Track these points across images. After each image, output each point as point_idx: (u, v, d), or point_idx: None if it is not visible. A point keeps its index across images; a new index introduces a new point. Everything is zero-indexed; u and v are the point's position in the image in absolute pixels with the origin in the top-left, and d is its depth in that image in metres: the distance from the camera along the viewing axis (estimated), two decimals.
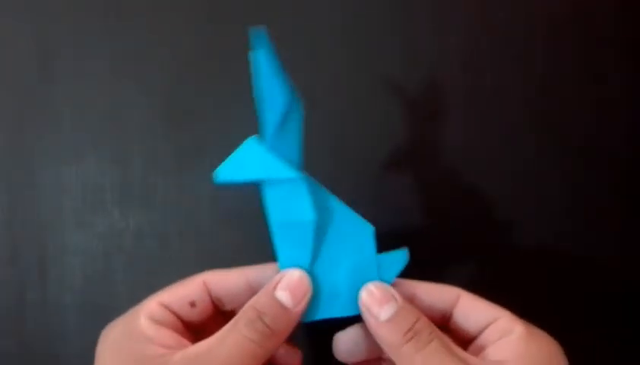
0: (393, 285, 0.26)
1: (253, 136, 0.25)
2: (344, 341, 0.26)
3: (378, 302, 0.24)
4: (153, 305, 0.25)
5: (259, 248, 0.35)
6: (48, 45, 0.36)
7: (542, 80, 0.37)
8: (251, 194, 0.36)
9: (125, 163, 0.36)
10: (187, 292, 0.25)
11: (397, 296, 0.24)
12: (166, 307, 0.25)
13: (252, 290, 0.25)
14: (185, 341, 0.24)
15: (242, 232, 0.36)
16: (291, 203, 0.25)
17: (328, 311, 0.25)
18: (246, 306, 0.24)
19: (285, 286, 0.24)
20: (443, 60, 0.36)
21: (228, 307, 0.26)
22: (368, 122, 0.36)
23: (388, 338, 0.24)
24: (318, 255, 0.25)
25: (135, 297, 0.35)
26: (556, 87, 0.37)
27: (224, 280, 0.26)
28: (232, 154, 0.25)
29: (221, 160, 0.36)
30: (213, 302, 0.26)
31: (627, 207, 0.37)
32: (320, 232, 0.25)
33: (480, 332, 0.25)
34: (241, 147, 0.25)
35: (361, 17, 0.36)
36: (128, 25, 0.36)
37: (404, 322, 0.23)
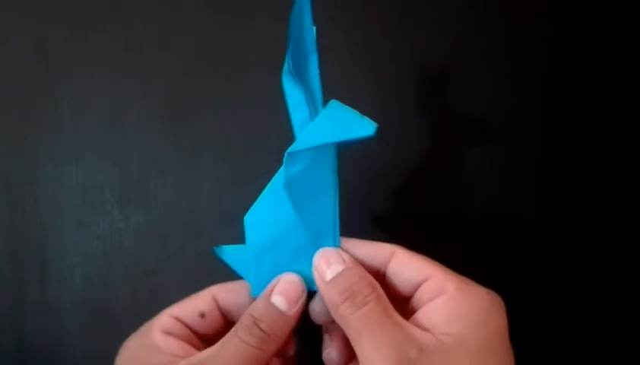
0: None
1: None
2: (316, 303, 0.27)
3: (326, 263, 0.25)
4: (165, 318, 0.26)
5: None
6: (48, 45, 0.36)
7: (542, 80, 0.37)
8: (250, 194, 0.36)
9: (125, 163, 0.36)
10: (197, 304, 0.27)
11: (347, 258, 0.25)
12: (177, 319, 0.26)
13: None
14: (192, 350, 0.25)
15: (242, 232, 0.36)
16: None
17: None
18: (245, 313, 0.25)
19: (280, 290, 0.25)
20: (441, 61, 0.36)
21: (236, 318, 0.27)
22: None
23: (328, 298, 0.24)
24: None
25: (135, 297, 0.35)
26: (556, 86, 0.37)
27: (231, 294, 0.27)
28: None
29: (220, 159, 0.36)
30: (222, 313, 0.27)
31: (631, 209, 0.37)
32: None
33: (413, 292, 0.25)
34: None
35: (358, 16, 0.36)
36: (128, 25, 0.36)
37: (344, 282, 0.24)
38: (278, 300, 0.25)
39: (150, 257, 0.35)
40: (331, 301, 0.24)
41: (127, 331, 0.35)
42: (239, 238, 0.35)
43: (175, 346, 0.25)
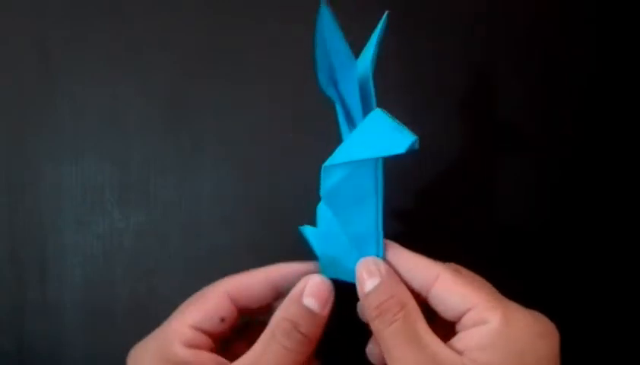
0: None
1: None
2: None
3: (367, 273, 0.25)
4: (185, 329, 0.25)
5: (258, 248, 0.35)
6: (48, 45, 0.36)
7: (542, 80, 0.37)
8: (250, 194, 0.36)
9: (125, 163, 0.36)
10: (215, 309, 0.25)
11: (384, 270, 0.25)
12: (198, 329, 0.25)
13: (278, 293, 0.26)
14: (222, 360, 0.25)
15: (242, 232, 0.36)
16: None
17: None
18: (278, 317, 0.25)
19: (310, 292, 0.25)
20: (441, 60, 0.36)
21: (252, 310, 0.27)
22: None
23: (365, 310, 0.25)
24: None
25: (135, 297, 0.35)
26: (555, 87, 0.37)
27: (249, 291, 0.26)
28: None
29: (220, 159, 0.36)
30: (238, 310, 0.27)
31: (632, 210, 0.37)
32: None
33: (457, 319, 0.24)
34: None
35: (359, 16, 0.36)
36: (128, 25, 0.36)
37: (377, 297, 0.24)
38: (311, 302, 0.25)
39: (150, 257, 0.35)
40: (367, 315, 0.25)
41: (127, 331, 0.35)
42: (239, 238, 0.36)
43: (205, 359, 0.24)
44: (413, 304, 0.24)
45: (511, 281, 0.34)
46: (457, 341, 0.24)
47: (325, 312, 0.25)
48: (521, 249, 0.36)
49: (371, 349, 0.27)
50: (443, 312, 0.25)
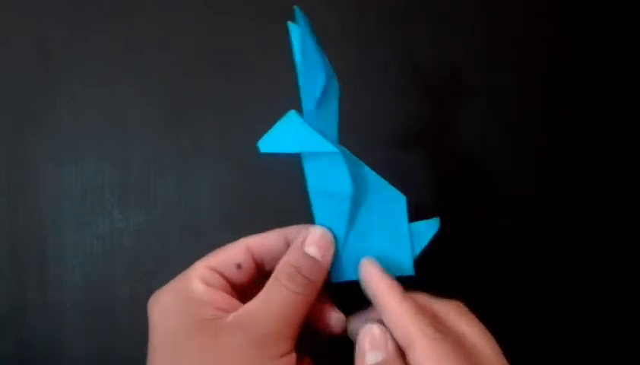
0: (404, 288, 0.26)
1: (293, 110, 0.25)
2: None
3: (370, 344, 0.25)
4: (203, 269, 0.26)
5: None
6: (48, 45, 0.36)
7: (542, 80, 0.37)
8: (250, 194, 0.36)
9: (125, 163, 0.36)
10: (233, 255, 0.27)
11: (391, 347, 0.24)
12: (216, 270, 0.26)
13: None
14: (235, 302, 0.26)
15: (242, 232, 0.36)
16: (329, 175, 0.26)
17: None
18: (282, 263, 0.26)
19: (311, 241, 0.26)
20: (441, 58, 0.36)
21: (268, 267, 0.28)
22: (368, 121, 0.36)
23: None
24: (354, 223, 0.27)
25: (135, 297, 0.35)
26: (555, 87, 0.37)
27: (265, 243, 0.28)
28: (275, 126, 0.25)
29: (220, 159, 0.36)
30: (256, 264, 0.28)
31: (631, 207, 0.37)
32: (355, 201, 0.27)
33: None
34: (282, 119, 0.25)
35: (359, 17, 0.36)
36: (128, 25, 0.36)
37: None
38: (312, 250, 0.26)
39: (150, 257, 0.35)
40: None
41: (127, 331, 0.35)
42: (239, 238, 0.35)
43: (219, 299, 0.25)
44: None
45: (511, 285, 0.34)
46: None
47: (325, 260, 0.26)
48: (521, 248, 0.36)
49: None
50: None
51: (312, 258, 0.26)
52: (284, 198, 0.35)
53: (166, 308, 0.25)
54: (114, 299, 0.35)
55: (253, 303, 0.25)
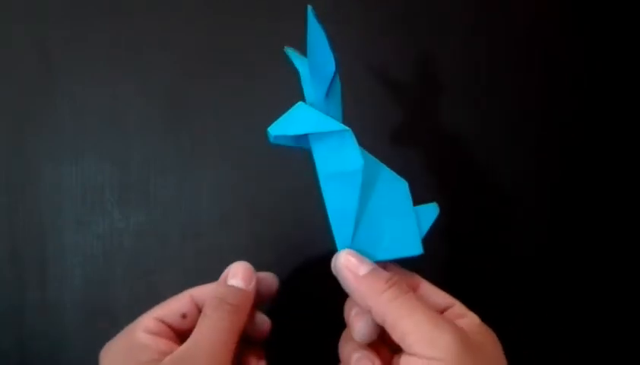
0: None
1: (300, 101, 0.27)
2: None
3: (355, 263, 0.27)
4: (148, 320, 0.27)
5: (259, 248, 0.35)
6: (48, 45, 0.36)
7: (542, 80, 0.37)
8: (250, 194, 0.36)
9: (125, 163, 0.36)
10: (178, 306, 0.28)
11: (369, 261, 0.27)
12: (161, 320, 0.28)
13: None
14: (177, 347, 0.27)
15: (242, 232, 0.36)
16: (339, 154, 0.27)
17: (374, 254, 0.28)
18: (208, 299, 0.27)
19: (233, 274, 0.28)
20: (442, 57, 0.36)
21: None
22: (368, 122, 0.36)
23: (369, 287, 0.26)
24: (363, 210, 0.28)
25: (135, 297, 0.35)
26: (556, 87, 0.37)
27: (205, 290, 0.29)
28: (284, 114, 0.27)
29: (220, 159, 0.36)
30: (199, 311, 0.28)
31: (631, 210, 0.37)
32: (363, 186, 0.27)
33: (442, 312, 0.27)
34: (291, 109, 0.27)
35: (358, 17, 0.36)
36: (128, 25, 0.36)
37: (382, 274, 0.26)
38: (235, 282, 0.28)
39: (150, 257, 0.35)
40: (374, 289, 0.26)
41: None
42: (239, 238, 0.36)
43: (161, 344, 0.26)
44: None
45: (511, 285, 0.33)
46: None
47: (250, 287, 0.28)
48: (521, 248, 0.36)
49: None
50: (430, 304, 0.27)
51: (236, 288, 0.28)
52: (284, 198, 0.35)
53: (113, 355, 0.27)
54: (114, 299, 0.35)
55: (186, 344, 0.26)
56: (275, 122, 0.26)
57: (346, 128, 0.27)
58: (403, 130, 0.36)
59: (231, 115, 0.36)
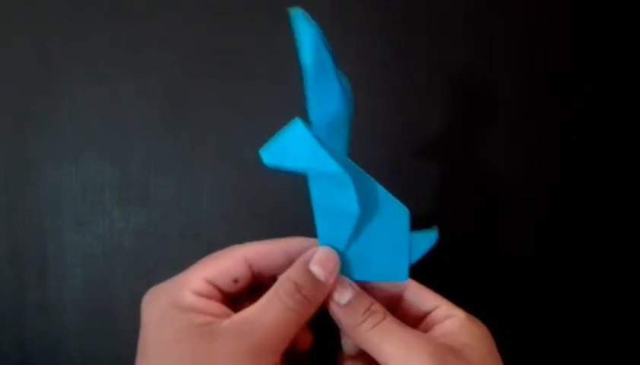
0: None
1: (298, 118, 0.24)
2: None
3: (337, 290, 0.26)
4: (197, 281, 0.26)
5: None
6: (48, 45, 0.36)
7: (542, 80, 0.37)
8: (250, 194, 0.36)
9: (125, 163, 0.36)
10: (231, 269, 0.27)
11: (354, 285, 0.27)
12: (211, 283, 0.26)
13: (292, 263, 0.27)
14: (229, 311, 0.26)
15: (243, 232, 0.36)
16: (336, 193, 0.25)
17: (359, 275, 0.27)
18: (284, 277, 0.26)
19: (317, 260, 0.26)
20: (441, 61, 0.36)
21: (266, 280, 0.28)
22: (368, 122, 0.36)
23: (347, 318, 0.26)
24: (358, 230, 0.27)
25: (135, 297, 0.35)
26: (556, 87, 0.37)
27: (266, 259, 0.28)
28: (279, 136, 0.24)
29: (220, 159, 0.36)
30: (253, 275, 0.28)
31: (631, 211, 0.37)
32: (359, 216, 0.26)
33: (426, 316, 0.28)
34: (288, 129, 0.24)
35: (358, 17, 0.36)
36: (128, 25, 0.36)
37: (361, 304, 0.26)
38: (317, 270, 0.26)
39: (150, 257, 0.35)
40: (351, 321, 0.26)
41: (127, 332, 0.35)
42: (239, 238, 0.36)
43: (214, 307, 0.25)
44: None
45: (511, 285, 0.33)
46: (438, 330, 0.26)
47: (330, 281, 0.26)
48: (521, 248, 0.36)
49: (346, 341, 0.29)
50: (414, 310, 0.28)
51: (315, 279, 0.26)
52: (284, 198, 0.35)
53: (160, 311, 0.25)
54: (114, 299, 0.35)
55: (249, 311, 0.25)
56: (268, 146, 0.24)
57: (344, 170, 0.24)
58: (403, 130, 0.36)
59: (231, 115, 0.36)
